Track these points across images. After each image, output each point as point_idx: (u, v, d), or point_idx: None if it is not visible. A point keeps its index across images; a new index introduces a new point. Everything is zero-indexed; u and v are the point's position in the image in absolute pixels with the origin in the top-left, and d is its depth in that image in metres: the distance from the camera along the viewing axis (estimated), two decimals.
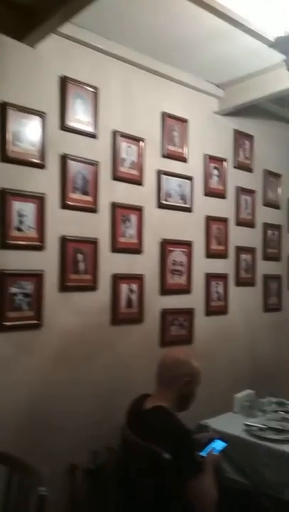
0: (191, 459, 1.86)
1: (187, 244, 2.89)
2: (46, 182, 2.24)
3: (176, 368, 2.03)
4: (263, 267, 3.44)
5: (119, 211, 2.52)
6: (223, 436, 2.18)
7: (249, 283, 3.33)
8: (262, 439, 2.20)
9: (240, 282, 3.25)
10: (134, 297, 2.58)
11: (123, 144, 2.55)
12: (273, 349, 3.48)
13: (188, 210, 2.91)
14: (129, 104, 2.60)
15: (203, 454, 2.01)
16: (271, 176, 3.53)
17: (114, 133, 2.51)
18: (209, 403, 2.63)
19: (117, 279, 2.50)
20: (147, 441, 1.83)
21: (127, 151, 2.57)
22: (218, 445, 2.09)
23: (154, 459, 1.78)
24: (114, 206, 2.50)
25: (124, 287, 2.53)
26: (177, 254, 2.83)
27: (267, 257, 3.47)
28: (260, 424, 2.34)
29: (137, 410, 2.02)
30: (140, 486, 1.90)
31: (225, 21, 2.25)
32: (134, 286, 2.58)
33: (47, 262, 2.22)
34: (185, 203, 2.89)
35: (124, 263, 2.55)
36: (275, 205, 3.56)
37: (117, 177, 2.52)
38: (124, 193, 2.56)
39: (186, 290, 2.88)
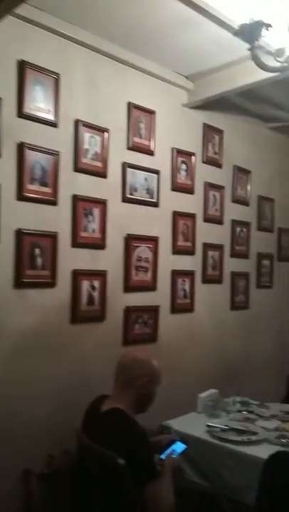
0: (147, 463, 1.79)
1: (153, 240, 2.81)
2: (1, 172, 2.11)
3: (135, 368, 1.95)
4: (231, 265, 3.39)
5: (82, 204, 2.42)
6: (183, 438, 2.12)
7: (216, 280, 3.28)
8: (223, 440, 2.14)
9: (207, 279, 3.19)
10: (96, 294, 2.48)
11: (86, 134, 2.44)
12: (240, 347, 3.44)
13: (155, 204, 2.83)
14: (93, 92, 2.50)
15: (162, 456, 1.94)
16: (240, 172, 3.48)
17: (77, 122, 2.40)
18: (174, 403, 2.56)
19: (78, 275, 2.39)
20: (103, 445, 1.75)
21: (90, 142, 2.46)
22: (178, 447, 2.03)
23: (108, 464, 1.70)
24: (76, 199, 2.40)
25: (85, 284, 2.43)
26: (142, 250, 2.75)
27: (235, 255, 3.42)
28: (222, 424, 2.28)
29: (94, 412, 1.94)
30: (96, 490, 1.82)
31: (191, 9, 2.16)
32: (96, 283, 2.48)
33: (1, 256, 2.10)
34: (151, 198, 2.81)
35: (85, 258, 2.44)
36: (244, 202, 3.52)
37: (79, 168, 2.41)
38: (87, 186, 2.46)
39: (151, 287, 2.80)
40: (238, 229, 3.45)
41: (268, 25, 1.79)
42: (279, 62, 1.91)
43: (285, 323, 3.88)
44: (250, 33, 1.82)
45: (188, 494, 2.10)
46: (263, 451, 2.02)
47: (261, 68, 1.94)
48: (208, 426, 2.27)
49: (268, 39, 1.89)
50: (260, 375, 3.47)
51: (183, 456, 2.06)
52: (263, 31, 1.82)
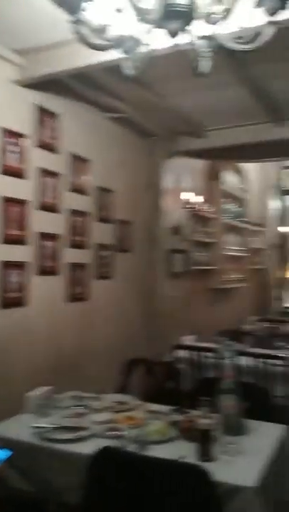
0: None
1: None
2: None
3: None
4: (69, 255, 3.27)
5: None
6: (6, 443, 1.93)
7: (52, 272, 3.12)
8: (49, 440, 2.00)
9: (42, 271, 3.01)
10: None
11: None
12: (79, 340, 3.35)
13: None
14: None
15: None
16: (79, 161, 3.38)
17: None
18: (4, 406, 2.33)
19: None
20: None
21: None
22: (0, 455, 1.83)
23: None
24: None
25: None
26: None
27: (73, 245, 3.31)
28: (51, 423, 2.14)
29: None
30: None
31: None
32: None
33: None
34: None
35: None
36: (82, 192, 3.43)
37: None
38: None
39: None
40: (76, 219, 3.34)
41: None
42: (102, 40, 1.82)
43: (125, 313, 3.93)
44: (71, 3, 1.70)
45: (11, 502, 1.93)
46: (92, 448, 1.94)
47: (83, 44, 1.82)
48: (34, 427, 2.11)
49: (91, 14, 1.80)
50: (100, 367, 3.43)
51: (6, 463, 1.87)
52: (84, 4, 1.71)
